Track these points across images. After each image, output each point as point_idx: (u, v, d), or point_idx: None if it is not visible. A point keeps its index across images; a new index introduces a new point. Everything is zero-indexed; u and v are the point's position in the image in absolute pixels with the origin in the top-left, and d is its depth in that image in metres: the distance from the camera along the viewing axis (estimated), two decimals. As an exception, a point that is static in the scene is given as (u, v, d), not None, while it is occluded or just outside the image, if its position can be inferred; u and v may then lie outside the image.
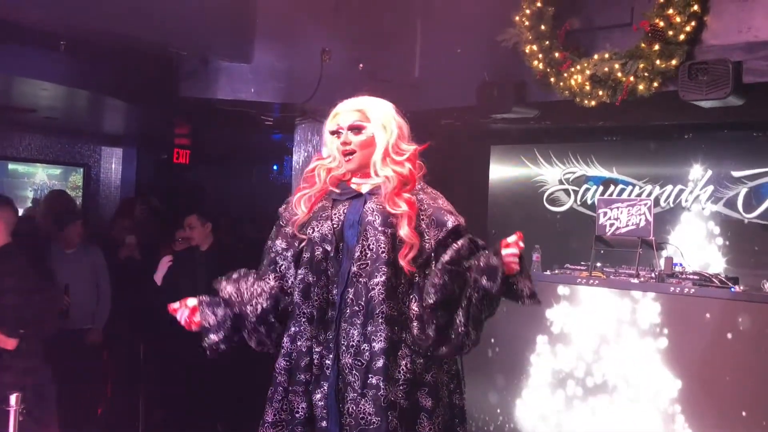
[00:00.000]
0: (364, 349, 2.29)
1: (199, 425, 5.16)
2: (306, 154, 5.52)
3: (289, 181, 5.85)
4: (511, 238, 2.28)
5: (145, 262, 5.55)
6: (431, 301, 2.29)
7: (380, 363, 2.27)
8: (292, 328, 2.41)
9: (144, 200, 7.04)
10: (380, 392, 2.25)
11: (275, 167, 8.80)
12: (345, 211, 2.43)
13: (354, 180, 2.48)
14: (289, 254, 2.47)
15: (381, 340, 2.28)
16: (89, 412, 5.44)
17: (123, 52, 4.58)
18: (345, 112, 2.46)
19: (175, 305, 2.51)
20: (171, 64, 5.01)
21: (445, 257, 2.33)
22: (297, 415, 2.36)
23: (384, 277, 2.31)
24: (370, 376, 2.27)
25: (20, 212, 7.49)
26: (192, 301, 2.51)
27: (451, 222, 2.39)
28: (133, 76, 4.92)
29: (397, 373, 2.28)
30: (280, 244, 2.50)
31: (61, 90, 5.22)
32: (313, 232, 2.41)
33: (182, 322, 2.50)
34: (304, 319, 2.38)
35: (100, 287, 5.37)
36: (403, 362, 2.30)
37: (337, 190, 2.48)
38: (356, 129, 2.43)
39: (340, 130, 2.45)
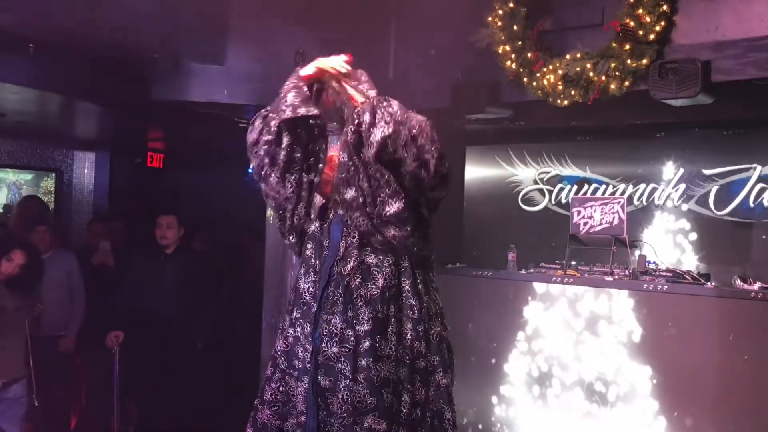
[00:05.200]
0: (348, 335, 2.32)
1: None
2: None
3: (264, 185, 5.79)
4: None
5: (118, 268, 5.50)
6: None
7: (367, 344, 2.30)
8: (295, 313, 2.46)
9: (119, 206, 6.96)
10: (372, 372, 2.28)
11: (250, 170, 8.74)
12: (335, 208, 2.51)
13: None
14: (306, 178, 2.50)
15: (364, 323, 2.31)
16: (63, 421, 5.38)
17: (94, 54, 4.52)
18: None
19: None
20: (143, 66, 4.96)
21: None
22: (293, 398, 2.40)
23: (356, 261, 2.36)
24: (359, 359, 2.30)
25: (-9, 218, 7.41)
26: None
27: None
28: (105, 79, 4.86)
29: (387, 350, 2.30)
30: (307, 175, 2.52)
31: (31, 93, 5.15)
32: (311, 225, 2.51)
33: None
34: (305, 308, 2.43)
35: (73, 294, 5.30)
36: (394, 338, 2.32)
37: None
38: None
39: None
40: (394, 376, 2.29)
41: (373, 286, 2.34)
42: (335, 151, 2.54)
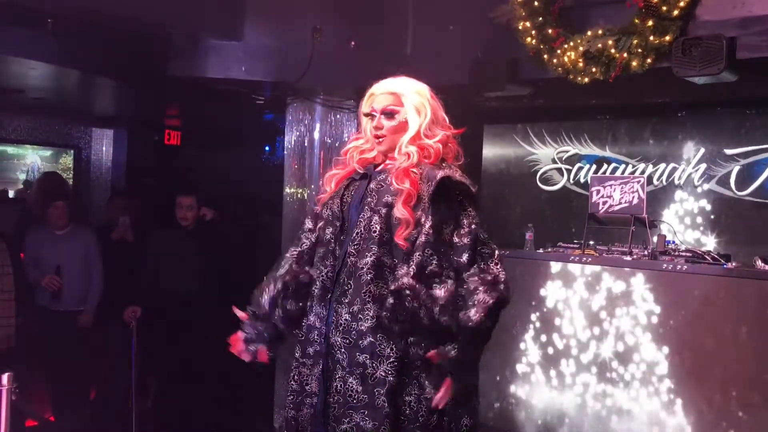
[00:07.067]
0: (352, 327, 2.30)
1: (193, 408, 5.16)
2: (298, 133, 5.48)
3: (281, 162, 5.80)
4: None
5: (137, 243, 5.52)
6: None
7: (367, 341, 2.27)
8: (309, 302, 2.46)
9: (139, 181, 6.98)
10: (367, 370, 2.26)
11: (267, 148, 8.75)
12: (354, 191, 2.46)
13: (387, 162, 2.48)
14: (312, 236, 2.54)
15: (368, 319, 2.28)
16: (82, 395, 5.44)
17: (112, 30, 4.52)
18: (379, 94, 2.47)
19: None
20: (161, 42, 4.95)
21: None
22: (307, 387, 2.40)
23: (373, 257, 2.30)
24: (357, 354, 2.28)
25: (11, 194, 7.49)
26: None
27: (440, 174, 2.34)
28: (122, 55, 4.86)
29: (388, 350, 2.27)
30: (307, 223, 2.58)
31: (49, 69, 5.16)
32: (326, 210, 2.47)
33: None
34: (322, 292, 2.41)
35: (91, 269, 5.34)
36: (396, 339, 2.27)
37: (361, 170, 2.50)
38: (389, 114, 2.43)
39: (374, 113, 2.46)
40: (392, 379, 2.25)
41: (385, 287, 2.29)
42: (355, 141, 2.57)
